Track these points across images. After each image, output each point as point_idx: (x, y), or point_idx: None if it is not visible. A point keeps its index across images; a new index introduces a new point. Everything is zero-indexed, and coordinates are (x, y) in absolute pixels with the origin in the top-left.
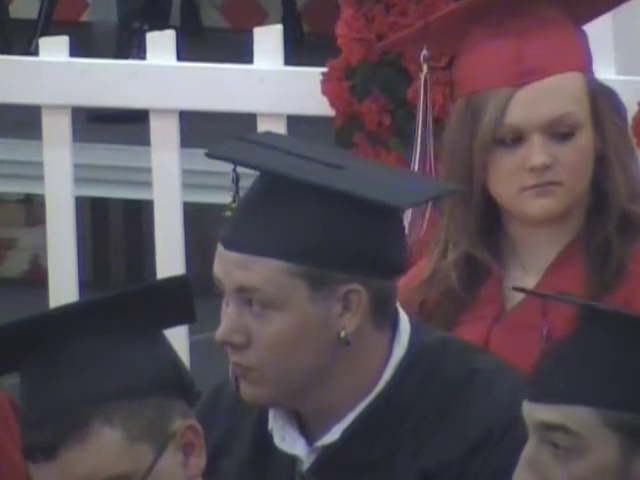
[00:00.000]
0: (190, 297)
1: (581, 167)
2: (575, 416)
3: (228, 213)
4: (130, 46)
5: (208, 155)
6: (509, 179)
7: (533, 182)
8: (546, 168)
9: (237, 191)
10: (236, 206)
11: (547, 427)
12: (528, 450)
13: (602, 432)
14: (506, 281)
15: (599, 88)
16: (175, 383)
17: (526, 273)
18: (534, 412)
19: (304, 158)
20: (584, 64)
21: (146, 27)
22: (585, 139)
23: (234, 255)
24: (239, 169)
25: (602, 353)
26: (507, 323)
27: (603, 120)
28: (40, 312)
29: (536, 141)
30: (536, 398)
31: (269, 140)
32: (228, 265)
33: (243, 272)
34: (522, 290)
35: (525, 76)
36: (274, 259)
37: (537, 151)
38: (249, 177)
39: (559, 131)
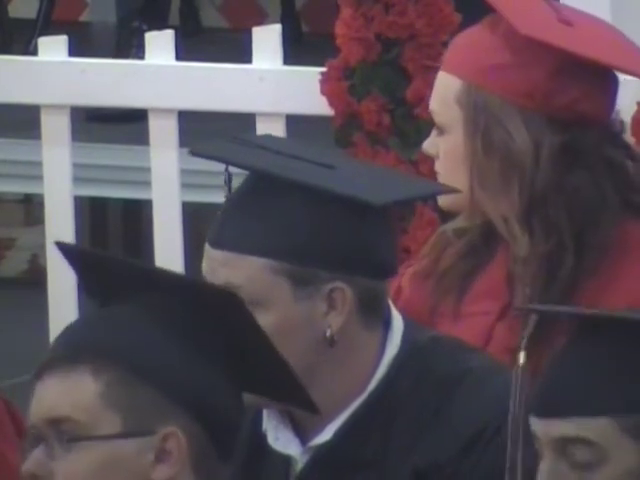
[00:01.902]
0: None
1: (449, 166)
2: (593, 426)
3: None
4: (129, 46)
5: (192, 153)
6: None
7: None
8: (434, 157)
9: (230, 191)
10: (222, 207)
11: (564, 441)
12: (547, 467)
13: (620, 439)
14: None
15: (486, 107)
16: (194, 402)
17: None
18: (549, 428)
19: (294, 158)
20: (480, 77)
21: (145, 27)
22: (450, 142)
23: (219, 253)
24: (234, 170)
25: (606, 359)
26: (512, 321)
27: (484, 138)
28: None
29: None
30: (548, 414)
31: (260, 140)
32: (214, 263)
33: (228, 270)
34: (522, 309)
35: (442, 63)
36: (257, 257)
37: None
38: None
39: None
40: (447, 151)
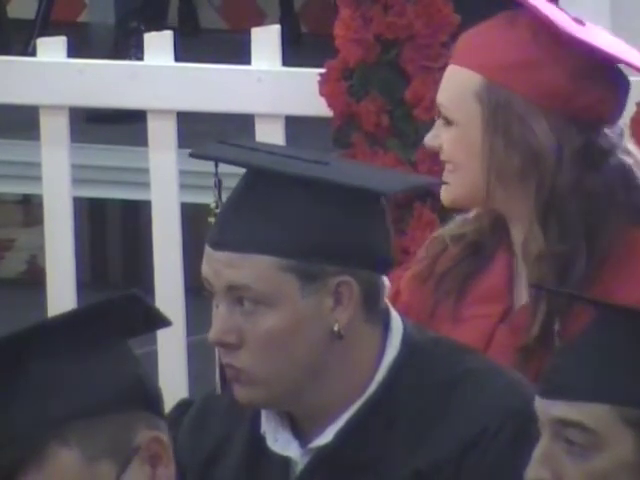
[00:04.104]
0: (147, 309)
1: (456, 158)
2: (593, 413)
3: (211, 219)
4: (128, 47)
5: (193, 155)
6: None
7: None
8: (438, 150)
9: (220, 196)
10: (221, 208)
11: (562, 423)
12: (542, 446)
13: (618, 429)
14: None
15: (509, 105)
16: (138, 396)
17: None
18: (549, 409)
19: (288, 157)
20: (503, 75)
21: (143, 28)
22: (459, 135)
23: (223, 254)
24: (224, 172)
25: (619, 350)
26: (513, 324)
27: (505, 135)
28: None
29: (437, 121)
30: (551, 395)
31: (251, 144)
32: (217, 265)
33: (233, 271)
34: (539, 287)
35: (453, 56)
36: (263, 255)
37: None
38: (233, 177)
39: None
40: (456, 144)
